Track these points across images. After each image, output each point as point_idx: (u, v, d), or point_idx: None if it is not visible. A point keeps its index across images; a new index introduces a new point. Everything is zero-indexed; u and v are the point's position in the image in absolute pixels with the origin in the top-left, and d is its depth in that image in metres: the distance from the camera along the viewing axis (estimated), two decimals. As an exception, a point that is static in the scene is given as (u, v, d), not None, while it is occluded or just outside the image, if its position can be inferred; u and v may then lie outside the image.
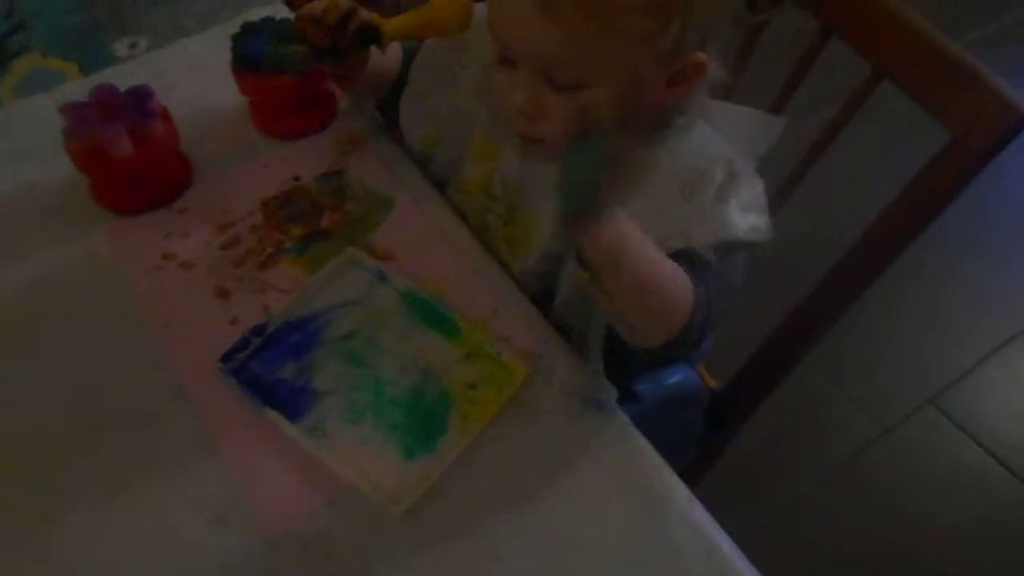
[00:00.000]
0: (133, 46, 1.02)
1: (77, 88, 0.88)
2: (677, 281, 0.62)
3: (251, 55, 0.83)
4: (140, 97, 0.81)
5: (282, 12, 0.99)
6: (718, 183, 0.66)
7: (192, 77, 0.95)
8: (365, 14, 0.76)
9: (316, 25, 0.75)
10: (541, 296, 0.78)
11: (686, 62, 0.64)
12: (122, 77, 0.85)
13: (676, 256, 0.63)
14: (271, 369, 0.72)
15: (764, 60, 0.92)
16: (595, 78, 0.63)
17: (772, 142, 0.72)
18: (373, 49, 0.77)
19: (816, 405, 1.61)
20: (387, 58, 0.85)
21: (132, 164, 0.79)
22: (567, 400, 0.71)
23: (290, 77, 0.80)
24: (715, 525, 0.65)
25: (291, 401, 0.70)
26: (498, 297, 0.77)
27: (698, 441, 1.03)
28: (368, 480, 0.65)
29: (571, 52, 0.61)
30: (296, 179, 0.87)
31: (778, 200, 0.91)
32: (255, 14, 0.89)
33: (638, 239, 0.58)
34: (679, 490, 0.67)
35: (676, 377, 0.91)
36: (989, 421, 1.60)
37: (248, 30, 0.85)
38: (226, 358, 0.71)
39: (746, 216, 0.66)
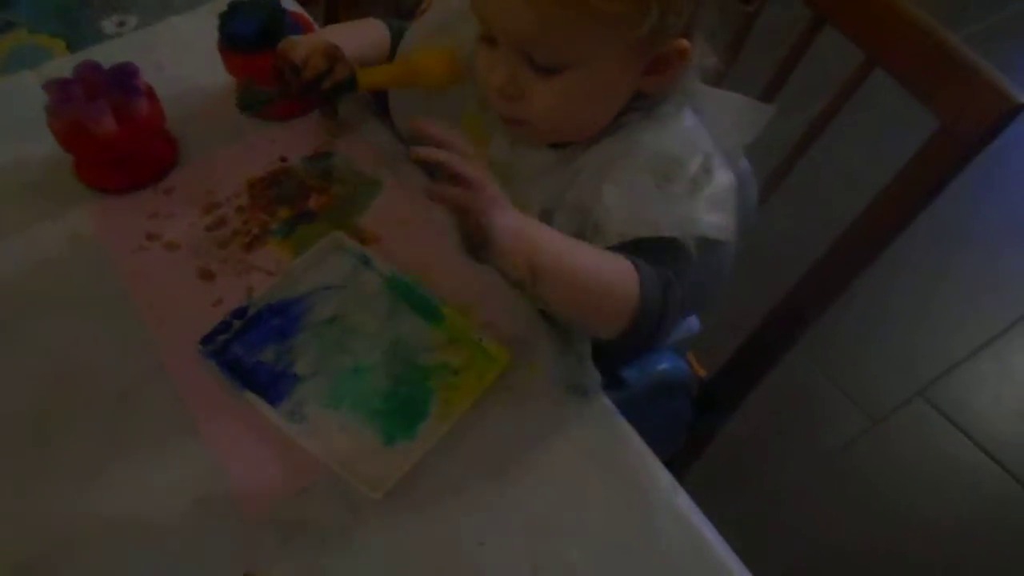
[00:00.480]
0: (121, 24, 1.01)
1: (63, 65, 0.87)
2: (611, 270, 0.61)
3: (238, 34, 0.83)
4: (125, 75, 0.80)
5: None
6: (691, 175, 0.65)
7: (180, 56, 0.94)
8: (342, 71, 0.76)
9: (292, 72, 0.76)
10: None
11: (668, 48, 0.64)
12: (109, 55, 0.85)
13: (639, 243, 0.63)
14: (252, 352, 0.71)
15: (757, 49, 0.91)
16: (572, 60, 0.63)
17: (760, 129, 0.72)
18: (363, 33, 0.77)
19: (806, 395, 1.61)
20: (375, 45, 0.84)
21: (116, 142, 0.79)
22: (551, 386, 0.71)
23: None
24: (698, 512, 0.65)
25: (271, 385, 0.69)
26: (483, 282, 0.76)
27: (686, 429, 1.03)
28: (346, 465, 0.64)
29: (547, 34, 0.61)
30: (283, 160, 0.86)
31: (769, 188, 0.90)
32: (242, -8, 0.88)
33: (548, 238, 0.59)
34: (662, 476, 0.67)
35: (664, 365, 0.90)
36: (979, 414, 1.59)
37: (235, 9, 0.85)
38: (206, 340, 0.71)
39: (712, 214, 0.66)
